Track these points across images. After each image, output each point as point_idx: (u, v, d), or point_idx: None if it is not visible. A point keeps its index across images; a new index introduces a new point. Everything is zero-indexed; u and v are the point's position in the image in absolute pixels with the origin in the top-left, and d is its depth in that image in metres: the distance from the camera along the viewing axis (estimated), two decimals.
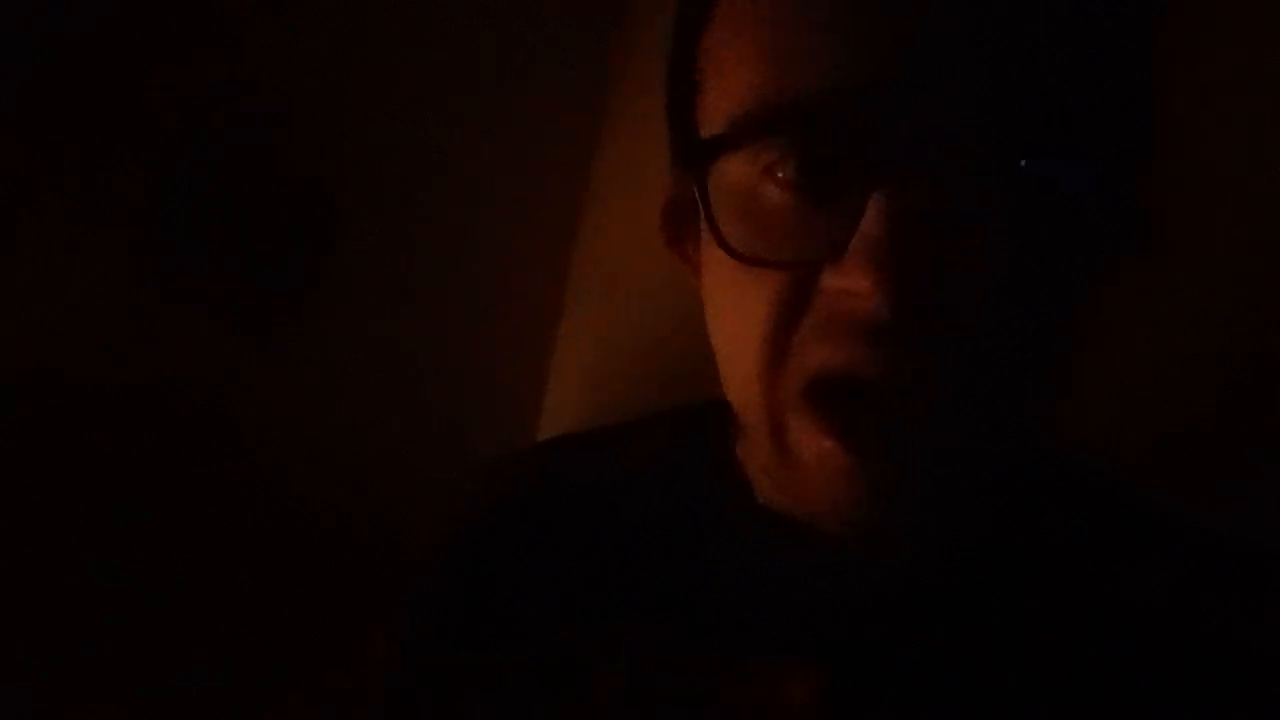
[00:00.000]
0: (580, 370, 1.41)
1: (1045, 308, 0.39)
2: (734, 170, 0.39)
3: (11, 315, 1.27)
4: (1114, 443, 0.61)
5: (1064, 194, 0.37)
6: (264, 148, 1.33)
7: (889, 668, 0.46)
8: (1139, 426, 0.70)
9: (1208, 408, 0.70)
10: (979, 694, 0.45)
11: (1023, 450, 0.47)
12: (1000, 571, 0.47)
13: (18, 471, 1.26)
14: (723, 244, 0.39)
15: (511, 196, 1.42)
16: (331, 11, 1.32)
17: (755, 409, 0.41)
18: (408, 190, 1.40)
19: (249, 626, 1.33)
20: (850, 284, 0.36)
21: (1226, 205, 0.67)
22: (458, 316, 1.44)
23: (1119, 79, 0.39)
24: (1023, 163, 0.36)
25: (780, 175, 0.38)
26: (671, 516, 0.52)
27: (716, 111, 0.41)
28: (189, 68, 1.29)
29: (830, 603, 0.47)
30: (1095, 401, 0.65)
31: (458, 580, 0.55)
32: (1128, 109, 0.39)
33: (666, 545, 0.51)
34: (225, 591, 1.33)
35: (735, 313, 0.41)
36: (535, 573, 0.53)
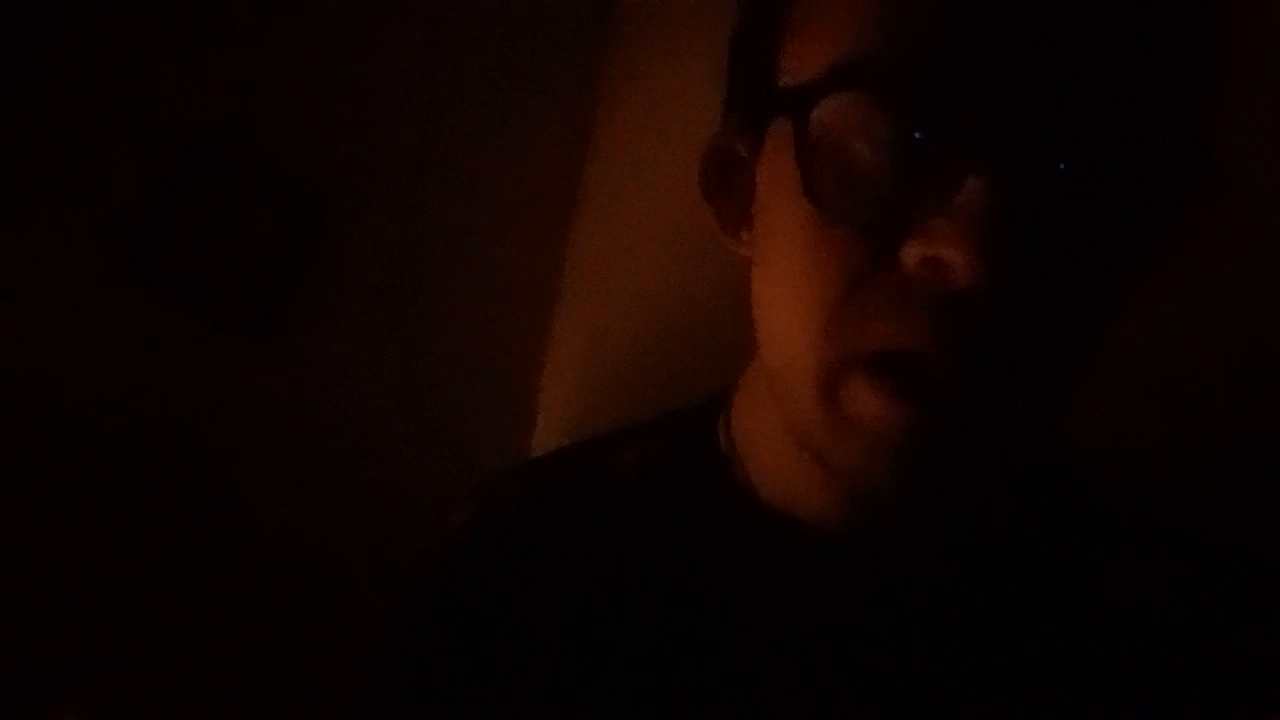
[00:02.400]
0: (574, 371, 1.41)
1: (1093, 309, 0.39)
2: (820, 121, 0.37)
3: (15, 315, 1.27)
4: (1114, 443, 0.61)
5: (1143, 196, 0.37)
6: (257, 152, 1.33)
7: (888, 666, 0.46)
8: (1139, 426, 0.70)
9: (1208, 408, 0.70)
10: (978, 693, 0.45)
11: (1020, 452, 0.48)
12: (998, 572, 0.47)
13: (10, 473, 1.26)
14: (813, 196, 0.37)
15: (505, 199, 1.43)
16: (327, 17, 1.32)
17: (805, 365, 0.39)
18: (399, 195, 1.40)
19: (244, 634, 1.33)
20: (938, 252, 0.35)
21: (1226, 205, 0.67)
22: (452, 319, 1.44)
23: (1196, 82, 0.38)
24: (1119, 158, 0.35)
25: (873, 132, 0.37)
26: (667, 523, 0.52)
27: (813, 58, 0.39)
28: (184, 73, 1.29)
29: (828, 602, 0.47)
30: (1095, 401, 0.65)
31: (457, 598, 0.55)
32: (1198, 113, 0.39)
33: (664, 553, 0.51)
34: (221, 598, 1.33)
35: (800, 269, 0.39)
36: (534, 588, 0.53)
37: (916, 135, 0.36)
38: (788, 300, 0.41)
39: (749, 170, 0.44)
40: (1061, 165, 0.35)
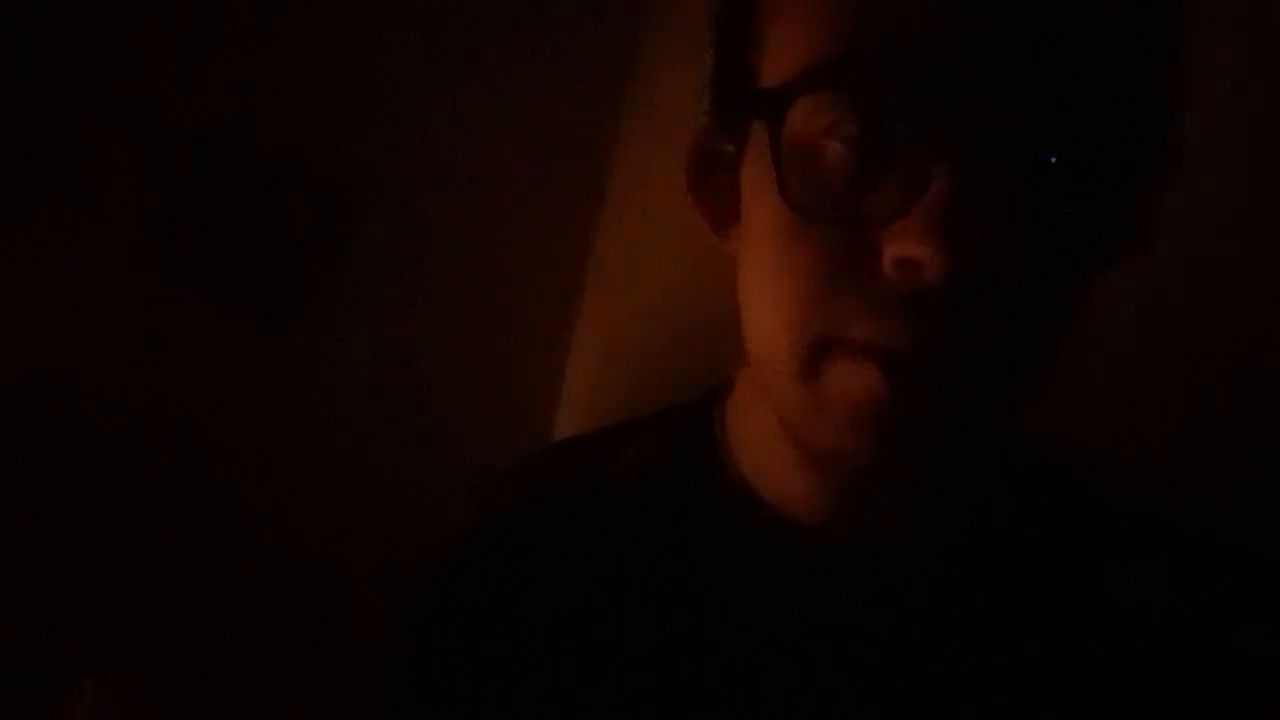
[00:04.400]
0: (596, 370, 1.40)
1: (1062, 297, 0.40)
2: (794, 123, 0.38)
3: (17, 314, 1.27)
4: (1114, 443, 0.61)
5: (1111, 187, 0.37)
6: (258, 153, 1.33)
7: (887, 666, 0.46)
8: (1139, 426, 0.70)
9: (1208, 408, 0.70)
10: (978, 693, 0.45)
11: (1018, 452, 0.48)
12: (998, 572, 0.47)
13: (10, 473, 1.26)
14: (788, 199, 0.38)
15: (528, 194, 1.42)
16: (327, 17, 1.32)
17: (786, 352, 0.40)
18: (404, 195, 1.40)
19: (244, 634, 1.33)
20: (909, 251, 0.36)
21: (1227, 205, 0.67)
22: (455, 319, 1.44)
23: (1162, 81, 0.39)
24: (1085, 147, 0.36)
25: (845, 132, 0.37)
26: (666, 523, 0.52)
27: (785, 60, 0.40)
28: (184, 73, 1.29)
29: (828, 602, 0.47)
30: (1095, 401, 0.65)
31: (457, 598, 0.55)
32: (1164, 111, 0.39)
33: (664, 552, 0.51)
34: (221, 598, 1.33)
35: (780, 265, 0.40)
36: (534, 588, 0.53)
37: (885, 133, 0.37)
38: (767, 296, 0.41)
39: (733, 167, 0.44)
40: (1028, 156, 0.36)
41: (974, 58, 0.36)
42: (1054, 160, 0.36)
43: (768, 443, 0.47)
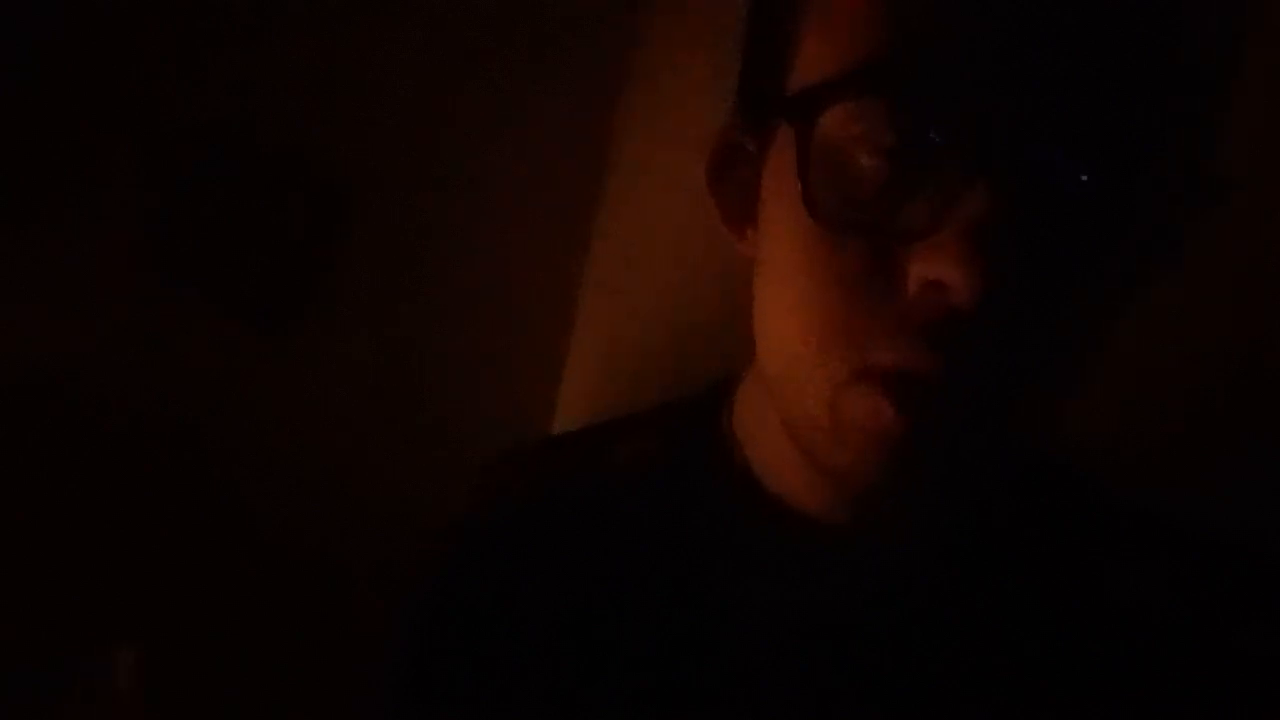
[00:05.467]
0: (594, 369, 1.40)
1: (1083, 317, 0.39)
2: (824, 129, 0.37)
3: (17, 314, 1.27)
4: (1114, 443, 0.61)
5: (1145, 197, 0.36)
6: (258, 153, 1.33)
7: (888, 666, 0.46)
8: (1139, 426, 0.70)
9: (1208, 408, 0.70)
10: (978, 692, 0.45)
11: (1018, 452, 0.48)
12: (998, 572, 0.47)
13: (10, 473, 1.26)
14: (812, 206, 0.37)
15: (527, 194, 1.42)
16: (327, 17, 1.32)
17: (805, 372, 0.39)
18: (405, 195, 1.40)
19: (244, 634, 1.33)
20: (939, 273, 0.34)
21: (1227, 205, 0.67)
22: (455, 319, 1.44)
23: (1205, 105, 0.38)
24: (1121, 161, 0.35)
25: (877, 141, 0.36)
26: (668, 520, 0.52)
27: (820, 62, 0.38)
28: (184, 73, 1.29)
29: (829, 601, 0.47)
30: (1095, 401, 0.65)
31: (457, 597, 0.55)
32: (1203, 133, 0.38)
33: (665, 550, 0.51)
34: (221, 598, 1.33)
35: (800, 278, 0.39)
36: (534, 587, 0.53)
37: (920, 145, 0.35)
38: (786, 308, 0.40)
39: (755, 166, 0.43)
40: (1063, 170, 0.35)
41: (1011, 65, 0.34)
42: (1097, 181, 0.35)
43: (775, 440, 0.47)
